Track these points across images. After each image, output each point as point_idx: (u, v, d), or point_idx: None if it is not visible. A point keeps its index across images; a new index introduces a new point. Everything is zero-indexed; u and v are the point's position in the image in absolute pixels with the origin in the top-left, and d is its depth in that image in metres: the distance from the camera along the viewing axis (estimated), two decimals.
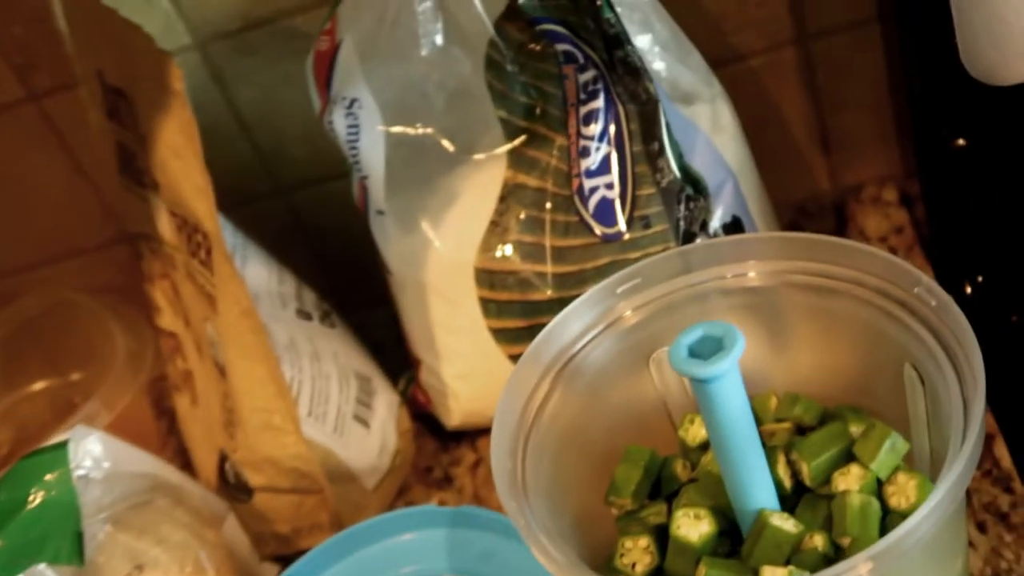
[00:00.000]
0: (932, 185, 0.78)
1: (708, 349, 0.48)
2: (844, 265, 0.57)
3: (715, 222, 0.69)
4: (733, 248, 0.58)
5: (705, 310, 0.59)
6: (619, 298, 0.59)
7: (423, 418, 0.83)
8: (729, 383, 0.48)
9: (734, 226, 0.70)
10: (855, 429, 0.57)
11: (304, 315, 0.79)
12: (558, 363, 0.58)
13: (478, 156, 0.72)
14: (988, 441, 0.70)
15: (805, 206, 0.92)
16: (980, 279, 0.79)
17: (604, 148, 0.68)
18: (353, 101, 0.72)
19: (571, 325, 0.58)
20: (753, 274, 0.58)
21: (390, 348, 0.85)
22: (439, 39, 0.71)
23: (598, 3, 0.64)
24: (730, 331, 0.48)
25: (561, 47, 0.67)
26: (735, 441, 0.50)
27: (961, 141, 0.74)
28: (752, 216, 0.72)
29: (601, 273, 0.67)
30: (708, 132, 0.70)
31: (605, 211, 0.68)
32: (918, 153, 0.76)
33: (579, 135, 0.68)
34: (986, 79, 0.67)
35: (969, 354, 0.49)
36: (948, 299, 0.51)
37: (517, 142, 0.71)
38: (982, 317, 0.79)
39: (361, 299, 0.87)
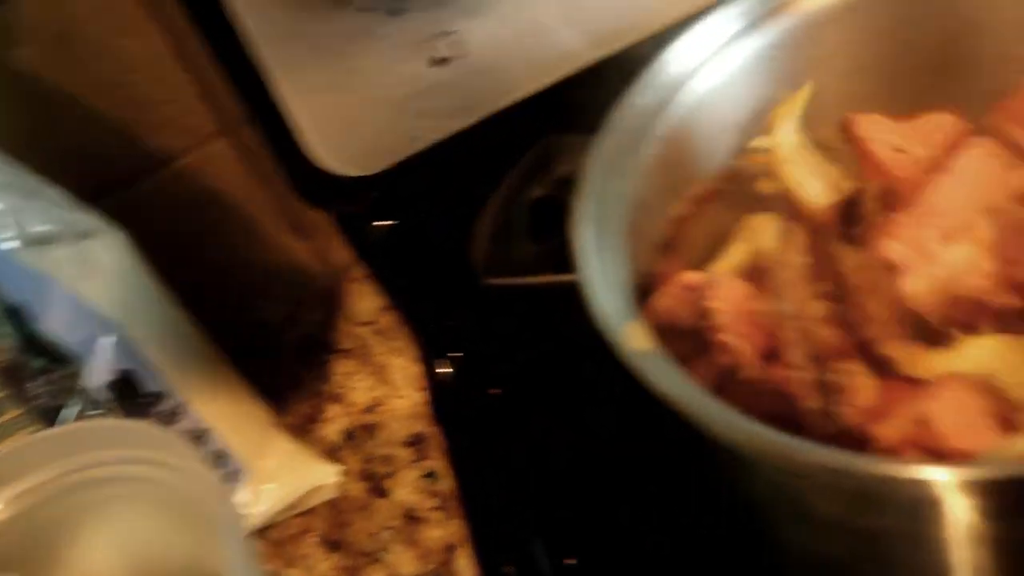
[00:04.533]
0: (379, 268, 0.71)
1: None
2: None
3: (97, 384, 0.60)
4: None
5: None
6: None
7: None
8: None
9: (124, 384, 0.61)
10: None
11: None
12: None
13: None
14: (448, 554, 0.63)
15: (300, 296, 0.84)
16: (461, 355, 0.73)
17: None
18: None
19: None
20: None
21: None
22: None
23: None
24: None
25: None
26: None
27: (384, 222, 0.67)
28: (153, 363, 0.63)
29: None
30: (71, 282, 0.60)
31: None
32: (353, 243, 0.69)
33: None
34: (340, 171, 0.60)
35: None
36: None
37: None
38: (465, 391, 0.74)
39: None
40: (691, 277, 0.49)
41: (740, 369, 0.49)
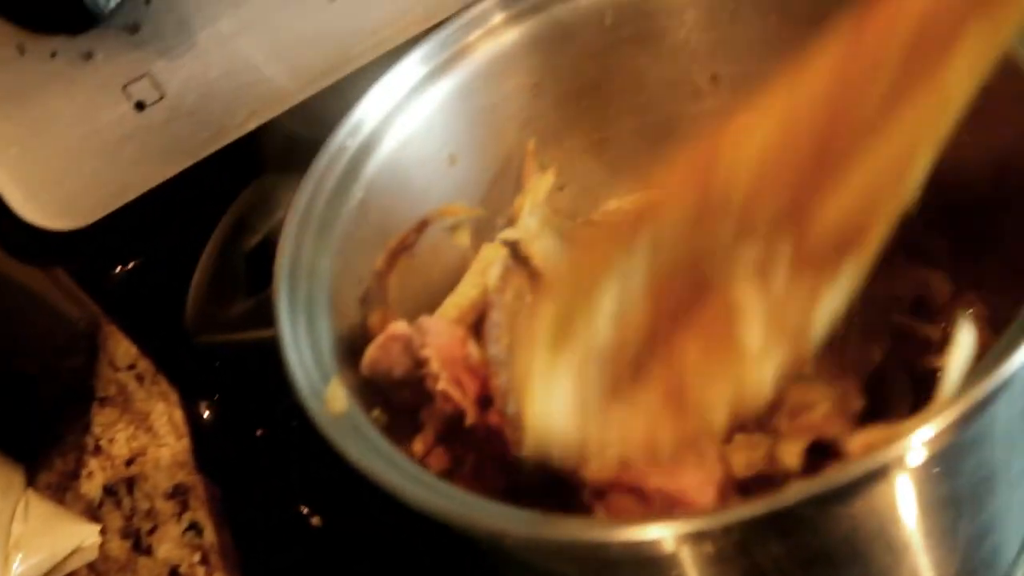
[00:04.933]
0: (121, 316, 0.68)
1: None
2: None
3: None
4: None
5: None
6: None
7: None
8: None
9: None
10: None
11: None
12: None
13: None
14: None
15: (57, 343, 0.79)
16: (217, 397, 0.71)
17: None
18: None
19: None
20: None
21: None
22: None
23: None
24: None
25: None
26: None
27: (123, 267, 0.64)
28: None
29: None
30: None
31: None
32: (92, 293, 0.66)
33: None
34: (49, 226, 0.57)
35: None
36: None
37: None
38: (226, 434, 0.71)
39: None
40: (398, 327, 0.47)
41: (464, 417, 0.48)
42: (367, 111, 0.50)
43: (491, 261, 0.56)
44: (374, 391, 0.48)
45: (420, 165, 0.52)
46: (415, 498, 0.39)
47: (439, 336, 0.47)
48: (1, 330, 0.79)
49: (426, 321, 0.48)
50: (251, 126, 0.58)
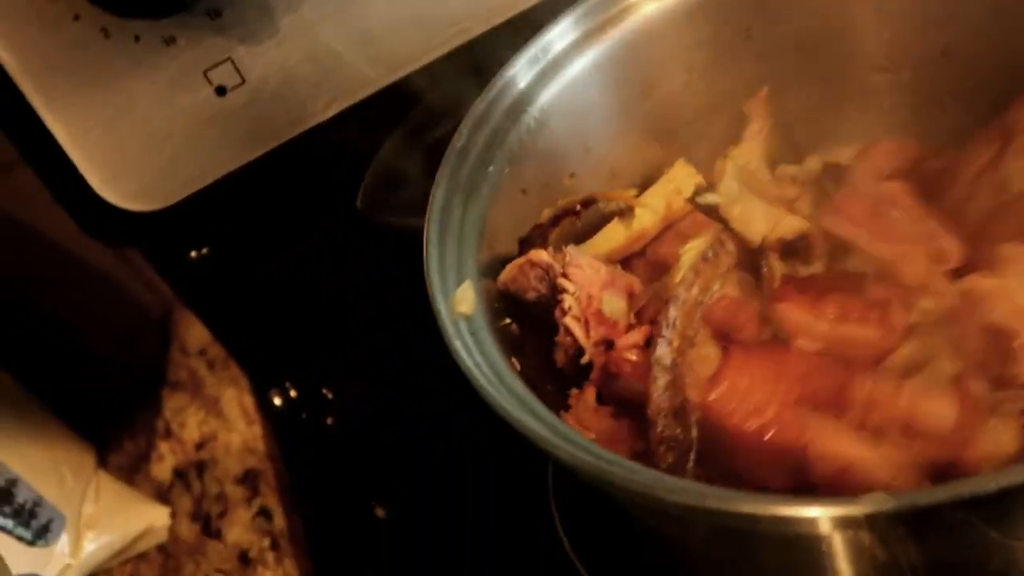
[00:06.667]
0: (196, 301, 0.68)
1: None
2: None
3: None
4: None
5: None
6: None
7: None
8: None
9: None
10: None
11: None
12: None
13: None
14: None
15: (130, 328, 0.80)
16: (289, 387, 0.71)
17: None
18: None
19: None
20: None
21: None
22: None
23: None
24: None
25: None
26: None
27: (199, 251, 0.64)
28: None
29: None
30: None
31: None
32: (168, 276, 0.66)
33: None
34: (129, 207, 0.57)
35: None
36: None
37: None
38: (299, 423, 0.72)
39: None
40: (540, 255, 0.48)
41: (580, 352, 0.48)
42: (517, 74, 0.52)
43: (681, 185, 0.55)
44: (512, 304, 0.49)
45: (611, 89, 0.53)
46: (499, 405, 0.39)
47: (581, 270, 0.48)
48: (76, 314, 0.80)
49: (573, 252, 0.48)
50: (331, 112, 0.58)
